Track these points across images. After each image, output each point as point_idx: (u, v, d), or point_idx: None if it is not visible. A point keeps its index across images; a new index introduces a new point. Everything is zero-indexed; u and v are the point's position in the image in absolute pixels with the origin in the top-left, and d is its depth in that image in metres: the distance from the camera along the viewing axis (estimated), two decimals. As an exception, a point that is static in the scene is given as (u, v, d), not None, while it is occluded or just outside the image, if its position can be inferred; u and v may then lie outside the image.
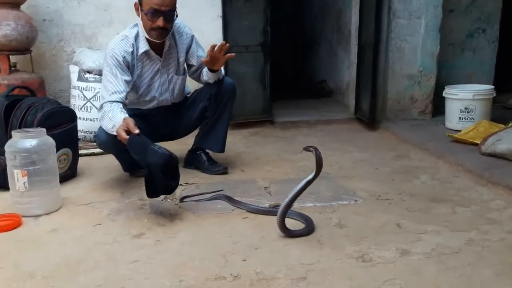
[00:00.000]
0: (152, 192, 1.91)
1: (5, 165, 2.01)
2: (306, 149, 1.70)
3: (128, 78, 2.26)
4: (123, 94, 2.21)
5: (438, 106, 3.69)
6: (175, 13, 2.23)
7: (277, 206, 1.92)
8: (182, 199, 2.10)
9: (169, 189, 1.95)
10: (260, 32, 3.63)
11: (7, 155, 1.94)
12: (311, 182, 1.67)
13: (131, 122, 1.93)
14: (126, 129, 1.92)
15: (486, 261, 1.51)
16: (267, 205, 2.03)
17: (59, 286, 1.40)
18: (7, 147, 1.94)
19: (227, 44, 2.27)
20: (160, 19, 2.17)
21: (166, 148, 1.90)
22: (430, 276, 1.42)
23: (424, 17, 3.60)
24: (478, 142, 2.75)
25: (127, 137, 1.90)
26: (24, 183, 1.92)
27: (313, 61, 5.88)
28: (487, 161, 2.55)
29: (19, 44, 3.15)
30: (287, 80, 6.02)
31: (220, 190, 2.19)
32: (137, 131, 1.90)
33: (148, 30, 2.22)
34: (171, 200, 2.11)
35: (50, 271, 1.48)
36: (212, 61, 2.30)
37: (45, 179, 1.97)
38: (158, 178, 1.84)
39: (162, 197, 2.10)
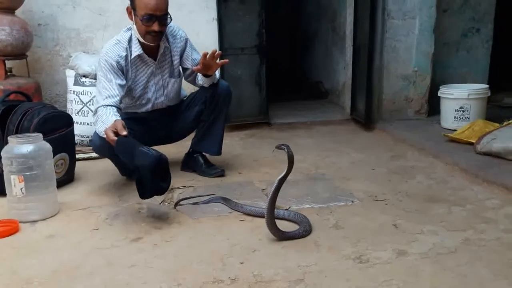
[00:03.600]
0: (143, 194, 1.89)
1: (2, 171, 2.01)
2: (278, 147, 1.72)
3: (122, 82, 2.26)
4: (117, 98, 2.20)
5: (433, 106, 3.71)
6: (169, 16, 2.24)
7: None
8: (176, 204, 2.09)
9: (160, 190, 1.93)
10: (255, 34, 3.64)
11: (4, 161, 1.94)
12: (284, 179, 1.68)
13: (119, 124, 1.92)
14: (114, 130, 1.91)
15: (482, 260, 1.52)
16: (264, 207, 2.03)
17: (57, 292, 1.40)
18: (4, 153, 1.94)
19: (219, 52, 2.28)
20: (155, 24, 2.18)
21: (163, 151, 1.90)
22: (427, 276, 1.43)
23: (419, 17, 3.62)
24: (474, 141, 2.76)
25: (115, 138, 1.89)
26: (21, 189, 1.92)
27: (309, 62, 5.89)
28: (482, 160, 2.56)
29: (15, 49, 3.14)
30: (283, 80, 6.03)
31: (211, 194, 2.18)
32: (124, 132, 1.89)
33: (143, 35, 2.23)
34: (168, 203, 2.11)
35: (47, 277, 1.48)
36: (205, 68, 2.30)
37: (42, 185, 1.97)
38: (148, 180, 1.82)
39: (159, 200, 2.11)
